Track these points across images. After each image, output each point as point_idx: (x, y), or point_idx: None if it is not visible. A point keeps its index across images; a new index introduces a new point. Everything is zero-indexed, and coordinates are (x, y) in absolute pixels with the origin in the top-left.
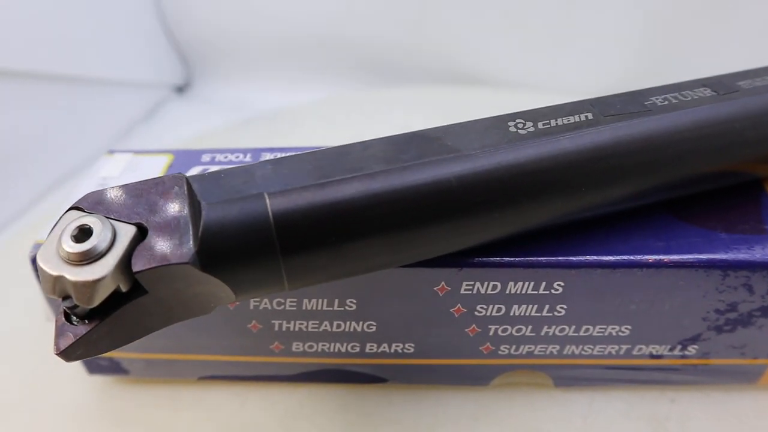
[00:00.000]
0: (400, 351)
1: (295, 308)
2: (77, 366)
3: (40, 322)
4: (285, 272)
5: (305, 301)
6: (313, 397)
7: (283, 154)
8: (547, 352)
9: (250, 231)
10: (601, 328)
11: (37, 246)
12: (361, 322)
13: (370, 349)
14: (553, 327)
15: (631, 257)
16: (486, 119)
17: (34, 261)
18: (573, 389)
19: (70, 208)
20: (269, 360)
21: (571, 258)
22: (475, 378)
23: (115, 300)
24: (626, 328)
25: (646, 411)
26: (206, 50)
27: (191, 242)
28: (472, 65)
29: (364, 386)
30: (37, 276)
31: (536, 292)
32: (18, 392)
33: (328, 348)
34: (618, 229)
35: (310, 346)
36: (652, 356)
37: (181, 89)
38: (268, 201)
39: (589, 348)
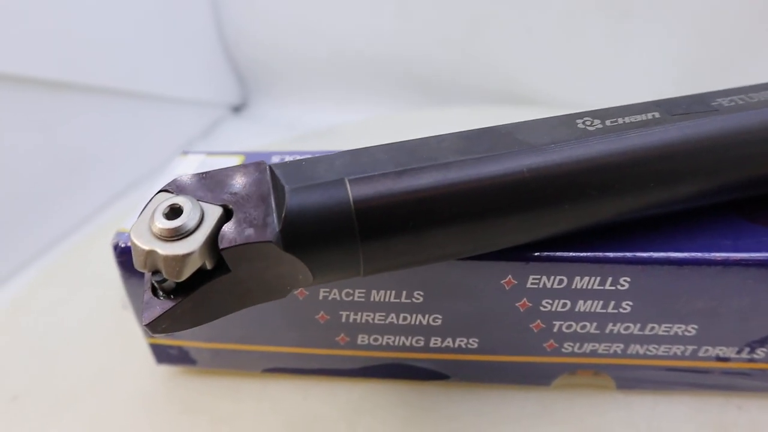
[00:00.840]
0: (463, 346)
1: (363, 299)
2: (146, 356)
3: (114, 313)
4: (362, 257)
5: (374, 292)
6: (374, 392)
7: None
8: (611, 351)
9: (331, 215)
10: (666, 327)
11: (120, 234)
12: (427, 315)
13: (434, 344)
14: (618, 324)
15: (699, 254)
16: (554, 117)
17: (116, 248)
18: (636, 392)
19: (159, 191)
20: (333, 353)
21: (638, 254)
22: (537, 377)
23: (200, 277)
24: (692, 328)
25: (711, 417)
26: (262, 71)
27: (275, 222)
28: (522, 85)
29: (425, 383)
30: (119, 263)
31: (602, 288)
32: (88, 380)
33: (393, 341)
34: (685, 228)
35: (375, 339)
36: (718, 358)
37: (237, 109)
38: (348, 186)
39: (654, 348)
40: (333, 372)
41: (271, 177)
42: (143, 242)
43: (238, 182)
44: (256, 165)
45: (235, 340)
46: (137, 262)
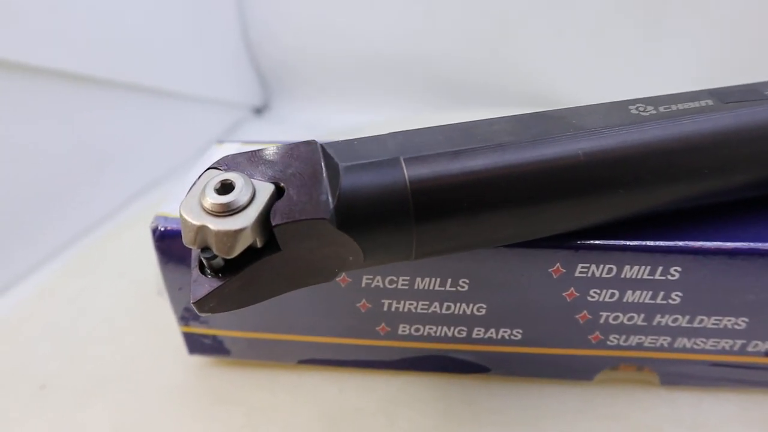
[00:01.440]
0: (506, 337)
1: (407, 287)
2: (176, 346)
3: (142, 303)
4: (416, 238)
5: (418, 279)
6: (412, 384)
7: None
8: (657, 345)
9: (386, 194)
10: (716, 320)
11: (159, 218)
12: (471, 305)
13: (477, 335)
14: (666, 316)
15: (751, 244)
16: (605, 103)
17: (155, 231)
18: (680, 388)
19: (209, 168)
20: (373, 343)
21: (690, 243)
22: (580, 371)
23: (249, 256)
24: (743, 321)
25: (759, 415)
26: (284, 72)
27: (329, 200)
28: (548, 88)
29: (465, 376)
30: (157, 247)
31: (652, 278)
32: (117, 370)
33: (435, 332)
34: (738, 218)
35: (417, 329)
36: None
37: (259, 110)
38: (404, 165)
39: (702, 342)
40: (370, 364)
41: (323, 155)
42: (194, 217)
43: (289, 160)
44: (306, 143)
45: (272, 329)
46: (187, 238)
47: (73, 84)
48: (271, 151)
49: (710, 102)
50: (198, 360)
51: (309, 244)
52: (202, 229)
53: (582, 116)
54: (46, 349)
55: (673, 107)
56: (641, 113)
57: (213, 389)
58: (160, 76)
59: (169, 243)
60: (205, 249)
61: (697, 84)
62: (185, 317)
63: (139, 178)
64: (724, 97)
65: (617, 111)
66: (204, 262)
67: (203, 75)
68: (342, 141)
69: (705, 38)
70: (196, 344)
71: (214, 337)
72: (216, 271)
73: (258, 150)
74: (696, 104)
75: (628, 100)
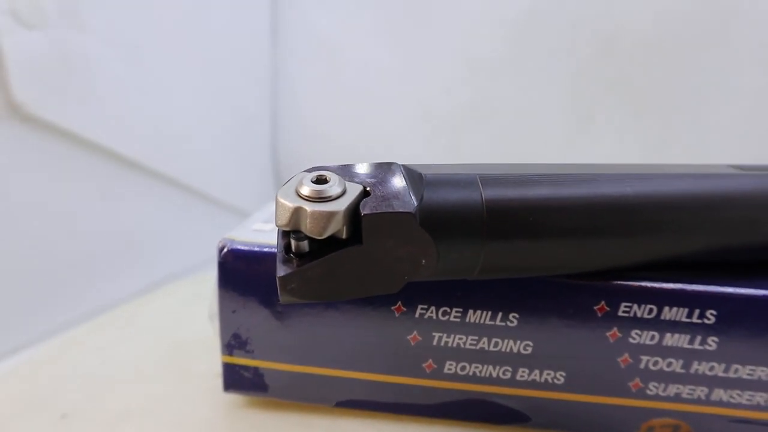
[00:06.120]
0: (549, 381)
1: (458, 320)
2: (210, 388)
3: (175, 354)
4: (483, 254)
5: (470, 312)
6: None
7: None
8: (695, 396)
9: (463, 207)
10: (750, 370)
11: (226, 240)
12: (518, 342)
13: (521, 377)
14: (703, 363)
15: None
16: (641, 164)
17: (221, 250)
18: None
19: (301, 171)
20: (416, 382)
21: (724, 288)
22: (619, 426)
23: (333, 245)
24: None
25: None
26: None
27: (413, 200)
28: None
29: (504, 427)
30: (219, 265)
31: (690, 320)
32: (145, 403)
33: (480, 371)
34: None
35: (463, 368)
36: None
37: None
38: (480, 183)
39: (738, 395)
40: (409, 408)
41: (405, 170)
42: (291, 201)
43: (374, 172)
44: (387, 163)
45: (317, 362)
46: (281, 219)
47: (120, 166)
48: (356, 165)
49: (733, 170)
50: (231, 399)
51: (389, 242)
52: (298, 210)
53: (626, 168)
54: (69, 381)
55: (703, 170)
56: (678, 171)
57: (247, 426)
58: (194, 176)
59: (231, 262)
60: (295, 232)
61: None
62: (231, 345)
63: (160, 266)
64: (743, 168)
65: (655, 168)
66: (293, 245)
67: (232, 184)
68: (420, 164)
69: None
70: (234, 378)
71: (255, 370)
72: (300, 257)
73: (344, 164)
74: (725, 171)
75: (661, 164)
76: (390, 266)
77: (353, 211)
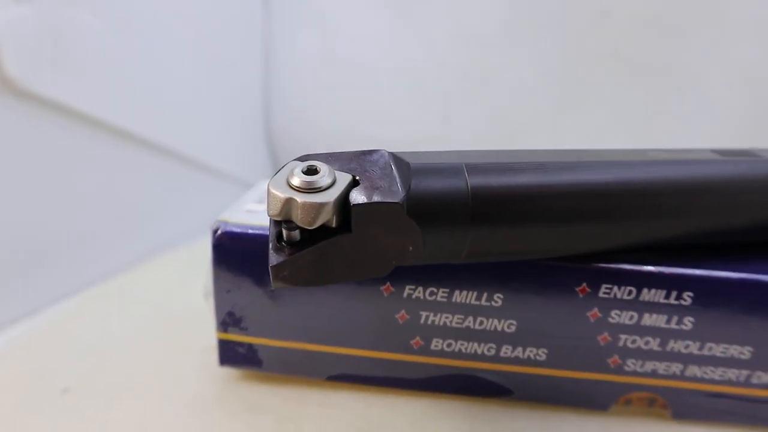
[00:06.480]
0: (532, 357)
1: (445, 299)
2: (206, 360)
3: (172, 325)
4: (470, 239)
5: (456, 292)
6: (437, 406)
7: None
8: (670, 372)
9: (449, 194)
10: (724, 347)
11: (220, 222)
12: (502, 321)
13: (505, 353)
14: (679, 342)
15: (756, 276)
16: (623, 150)
17: (215, 232)
18: (690, 422)
19: (292, 160)
20: (404, 358)
21: (702, 271)
22: (598, 399)
23: (323, 234)
24: (747, 350)
25: None
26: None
27: (400, 191)
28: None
29: (488, 400)
30: (213, 247)
31: (667, 302)
32: (144, 377)
33: (465, 348)
34: (748, 253)
35: (449, 344)
36: None
37: None
38: (466, 171)
39: (711, 370)
40: (398, 382)
41: (392, 158)
42: (282, 192)
43: (362, 160)
44: (375, 150)
45: (308, 339)
46: (273, 209)
47: (114, 137)
48: (345, 153)
49: (712, 154)
50: (227, 372)
51: (377, 230)
52: (289, 201)
53: (609, 154)
54: (69, 356)
55: (683, 156)
56: (657, 157)
57: (243, 398)
58: (188, 145)
59: (226, 244)
60: (287, 222)
61: None
62: (226, 322)
63: (154, 235)
64: (723, 153)
65: (637, 154)
66: (284, 234)
67: (225, 152)
68: (408, 152)
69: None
70: (229, 353)
71: (249, 346)
72: (292, 245)
73: (333, 152)
74: (702, 155)
75: (641, 149)
76: (378, 252)
77: (343, 201)
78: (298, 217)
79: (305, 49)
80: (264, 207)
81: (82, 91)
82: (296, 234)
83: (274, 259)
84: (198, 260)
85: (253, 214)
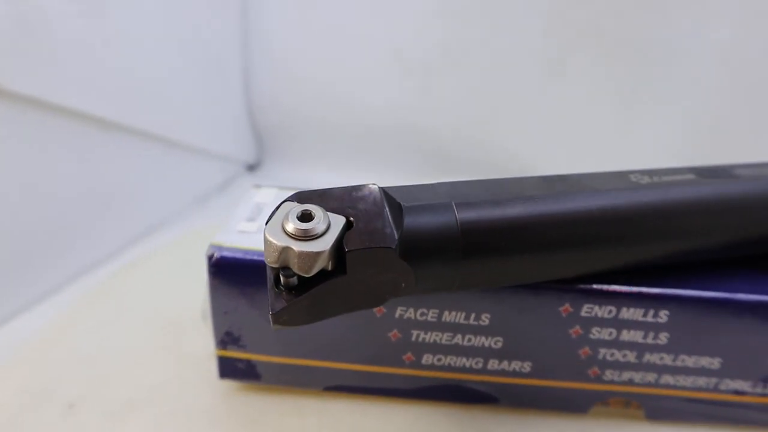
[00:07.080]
0: (517, 369)
1: (435, 320)
2: (205, 372)
3: (166, 333)
4: (461, 272)
5: (446, 313)
6: (428, 413)
7: None
8: (645, 381)
9: (440, 231)
10: (695, 359)
11: (214, 247)
12: (489, 338)
13: (492, 366)
14: (654, 354)
15: (726, 294)
16: (607, 172)
17: (210, 258)
18: (662, 423)
19: (285, 201)
20: (396, 371)
21: (678, 291)
22: (578, 404)
23: (320, 277)
24: (717, 361)
25: None
26: (280, 135)
27: (394, 233)
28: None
29: (476, 407)
30: (210, 273)
31: (645, 320)
32: (148, 391)
33: (455, 362)
34: (720, 272)
35: (439, 359)
36: (736, 392)
37: (252, 167)
38: (455, 209)
39: (683, 378)
40: (391, 392)
41: (384, 196)
42: (278, 240)
43: (355, 198)
44: (367, 185)
45: (305, 355)
46: (270, 258)
47: (90, 126)
48: (337, 191)
49: (692, 176)
50: (227, 385)
51: (371, 271)
52: (285, 250)
53: (593, 180)
54: (73, 370)
55: (664, 178)
56: (639, 181)
57: (243, 412)
58: (167, 126)
59: (222, 269)
60: (284, 268)
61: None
62: (224, 341)
63: (140, 220)
64: (702, 173)
65: (619, 178)
66: (282, 280)
67: (206, 130)
68: (399, 186)
69: (679, 119)
70: (228, 368)
71: (248, 362)
72: (290, 289)
73: (326, 189)
74: (682, 177)
75: (625, 171)
76: (372, 289)
77: (338, 246)
78: (295, 266)
79: (283, 19)
80: (256, 227)
81: (55, 81)
82: (294, 280)
83: (274, 306)
84: (188, 253)
85: (245, 236)
